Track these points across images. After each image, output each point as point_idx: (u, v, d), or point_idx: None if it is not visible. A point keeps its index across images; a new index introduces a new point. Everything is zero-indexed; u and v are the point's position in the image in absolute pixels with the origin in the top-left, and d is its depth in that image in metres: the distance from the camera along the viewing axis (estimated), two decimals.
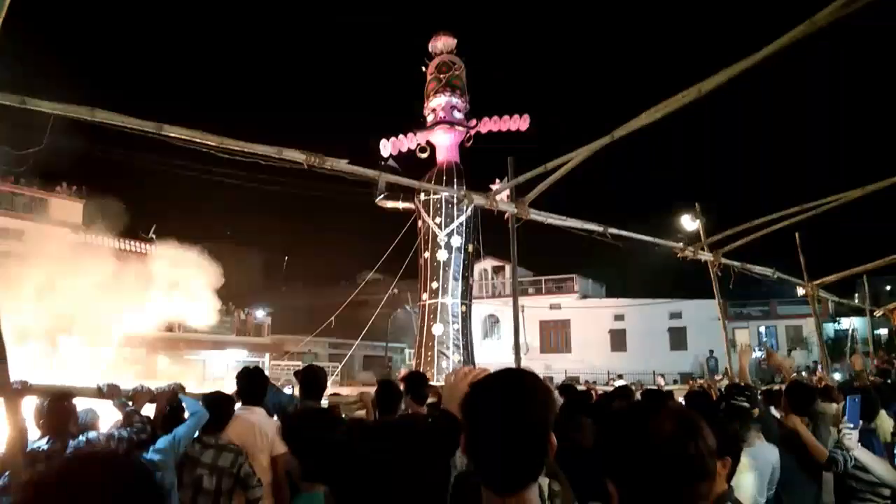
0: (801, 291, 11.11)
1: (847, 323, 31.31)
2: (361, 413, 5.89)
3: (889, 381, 9.58)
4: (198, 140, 4.88)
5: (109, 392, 4.18)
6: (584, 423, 3.94)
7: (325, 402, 5.31)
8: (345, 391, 14.10)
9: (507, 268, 37.14)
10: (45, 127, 4.53)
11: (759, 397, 4.96)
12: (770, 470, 3.88)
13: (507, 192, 9.47)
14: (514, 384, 1.43)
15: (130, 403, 4.26)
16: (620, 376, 24.08)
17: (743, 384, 4.90)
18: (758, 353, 17.12)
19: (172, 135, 4.66)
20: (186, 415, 4.15)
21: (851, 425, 4.54)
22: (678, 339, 34.60)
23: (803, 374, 14.94)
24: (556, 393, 7.05)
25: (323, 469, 2.35)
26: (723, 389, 5.48)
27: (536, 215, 7.36)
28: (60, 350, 12.69)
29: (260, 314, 30.41)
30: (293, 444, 2.51)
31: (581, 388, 9.40)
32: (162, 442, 3.85)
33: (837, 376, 17.23)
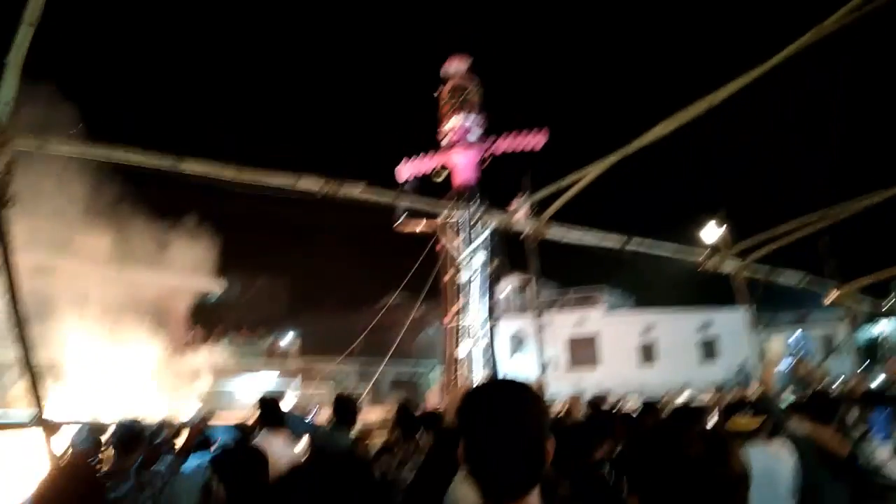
0: (827, 301, 10.87)
1: (881, 327, 30.53)
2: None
3: None
4: (214, 174, 4.99)
5: (136, 425, 4.26)
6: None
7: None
8: (373, 415, 14.11)
9: (532, 284, 36.93)
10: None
11: (783, 408, 4.86)
12: (774, 479, 3.76)
13: (526, 209, 9.50)
14: (506, 391, 1.43)
15: (159, 435, 4.34)
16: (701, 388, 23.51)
17: (765, 396, 4.81)
18: (787, 362, 16.70)
19: (189, 170, 4.77)
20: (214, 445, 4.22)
21: (881, 436, 4.45)
22: (709, 349, 34.03)
23: (836, 383, 14.56)
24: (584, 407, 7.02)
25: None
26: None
27: (554, 233, 7.37)
28: (95, 382, 12.92)
29: (287, 340, 30.63)
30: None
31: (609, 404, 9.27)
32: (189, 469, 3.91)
33: (878, 382, 16.79)
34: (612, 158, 6.78)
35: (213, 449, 4.14)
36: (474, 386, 1.50)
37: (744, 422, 3.93)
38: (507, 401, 1.39)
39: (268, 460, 2.71)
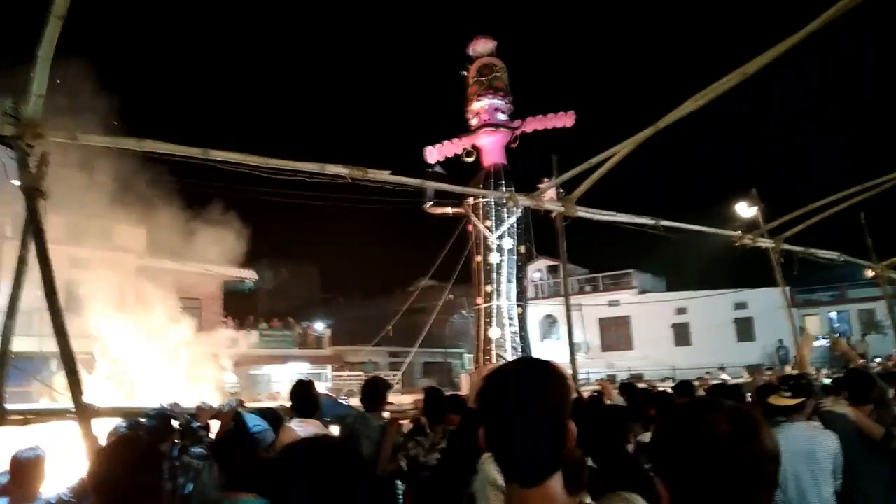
0: (869, 273, 10.62)
1: None
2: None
3: None
4: (242, 162, 5.00)
5: (172, 411, 4.33)
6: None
7: (385, 414, 5.38)
8: (406, 399, 14.22)
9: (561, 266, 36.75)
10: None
11: (817, 386, 4.78)
12: (815, 458, 3.70)
13: (554, 190, 9.41)
14: (525, 372, 1.40)
15: (194, 421, 4.40)
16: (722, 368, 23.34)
17: (803, 374, 4.74)
18: (824, 341, 16.27)
19: (218, 158, 4.79)
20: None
21: None
22: (745, 329, 33.56)
23: (876, 360, 14.25)
24: (616, 393, 6.94)
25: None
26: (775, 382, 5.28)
27: (584, 212, 7.27)
28: (130, 371, 13.17)
29: (319, 327, 30.95)
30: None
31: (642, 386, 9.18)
32: None
33: None
34: (641, 135, 6.65)
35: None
36: (494, 368, 1.47)
37: (785, 399, 3.87)
38: (526, 383, 1.36)
39: (257, 442, 2.76)
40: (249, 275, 27.38)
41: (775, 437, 1.23)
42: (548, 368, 1.41)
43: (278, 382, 26.56)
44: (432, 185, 7.40)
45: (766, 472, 1.21)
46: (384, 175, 6.04)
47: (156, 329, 15.94)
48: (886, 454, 3.98)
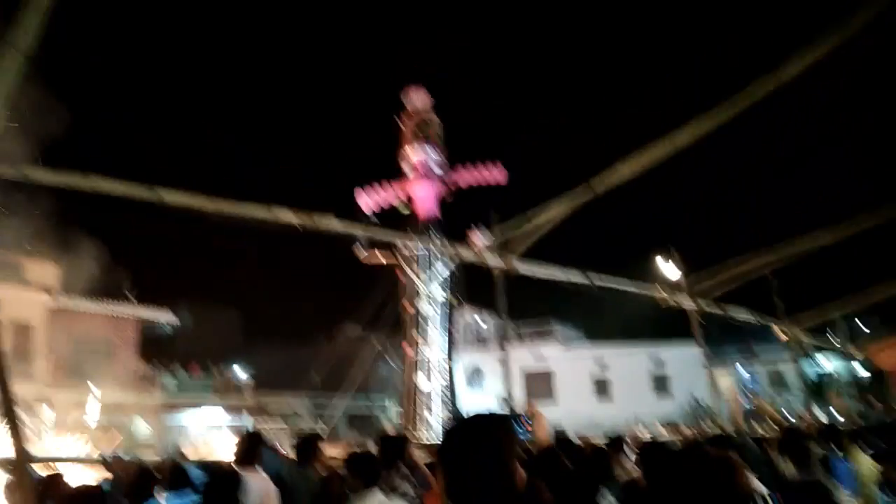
0: (783, 337, 11.26)
1: (829, 364, 31.57)
2: None
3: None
4: (193, 205, 4.93)
5: (115, 464, 4.14)
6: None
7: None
8: (333, 451, 13.84)
9: (487, 317, 37.07)
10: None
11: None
12: None
13: (487, 244, 9.62)
14: (477, 427, 1.54)
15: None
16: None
17: (731, 433, 4.98)
18: (746, 406, 16.88)
19: (169, 200, 4.71)
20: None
21: (848, 493, 4.60)
22: (662, 385, 34.53)
23: (788, 418, 15.05)
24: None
25: None
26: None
27: (524, 269, 7.49)
28: (41, 419, 12.38)
29: (240, 374, 29.87)
30: None
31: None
32: None
33: (824, 419, 17.42)
34: (579, 199, 6.94)
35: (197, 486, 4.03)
36: (450, 425, 1.64)
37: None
38: (478, 438, 1.51)
39: None
40: (168, 317, 26.32)
41: (750, 477, 1.38)
42: (494, 423, 1.56)
43: (195, 431, 25.35)
44: (372, 235, 7.47)
45: None
46: (332, 223, 6.09)
47: (66, 374, 15.11)
48: None
